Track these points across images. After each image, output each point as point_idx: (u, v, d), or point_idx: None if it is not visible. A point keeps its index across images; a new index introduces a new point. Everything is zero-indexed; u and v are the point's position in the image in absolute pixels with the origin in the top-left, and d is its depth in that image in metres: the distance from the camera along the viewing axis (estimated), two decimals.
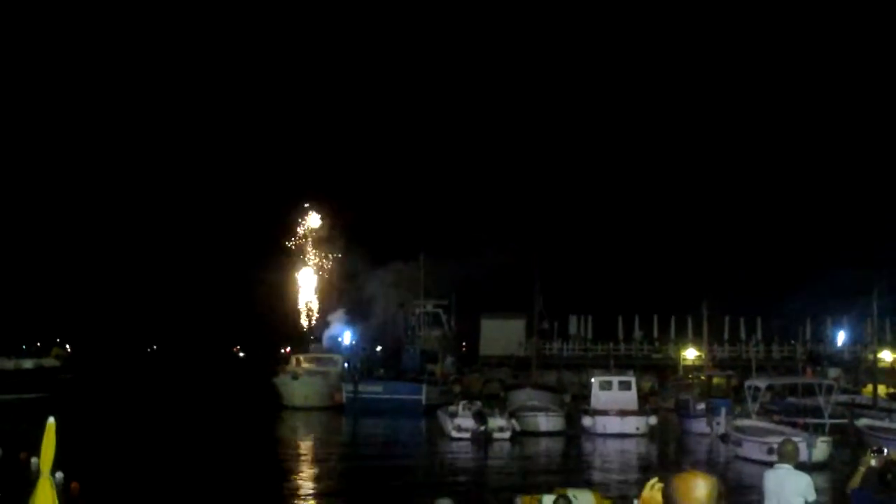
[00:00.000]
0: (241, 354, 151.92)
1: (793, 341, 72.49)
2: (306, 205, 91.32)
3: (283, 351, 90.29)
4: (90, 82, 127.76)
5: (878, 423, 36.94)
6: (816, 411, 36.99)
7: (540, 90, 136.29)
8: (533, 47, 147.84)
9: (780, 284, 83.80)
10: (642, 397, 49.56)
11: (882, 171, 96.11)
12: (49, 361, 66.32)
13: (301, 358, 64.70)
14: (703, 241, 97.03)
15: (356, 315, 71.36)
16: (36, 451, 11.41)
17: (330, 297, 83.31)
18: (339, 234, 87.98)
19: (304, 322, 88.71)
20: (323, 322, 76.40)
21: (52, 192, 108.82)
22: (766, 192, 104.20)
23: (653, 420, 43.13)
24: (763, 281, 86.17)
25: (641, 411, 43.63)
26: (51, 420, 10.67)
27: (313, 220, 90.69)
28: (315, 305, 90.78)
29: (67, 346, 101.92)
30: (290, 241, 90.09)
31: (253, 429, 46.11)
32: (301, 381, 58.06)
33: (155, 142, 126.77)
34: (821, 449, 30.62)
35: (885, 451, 19.86)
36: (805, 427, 33.45)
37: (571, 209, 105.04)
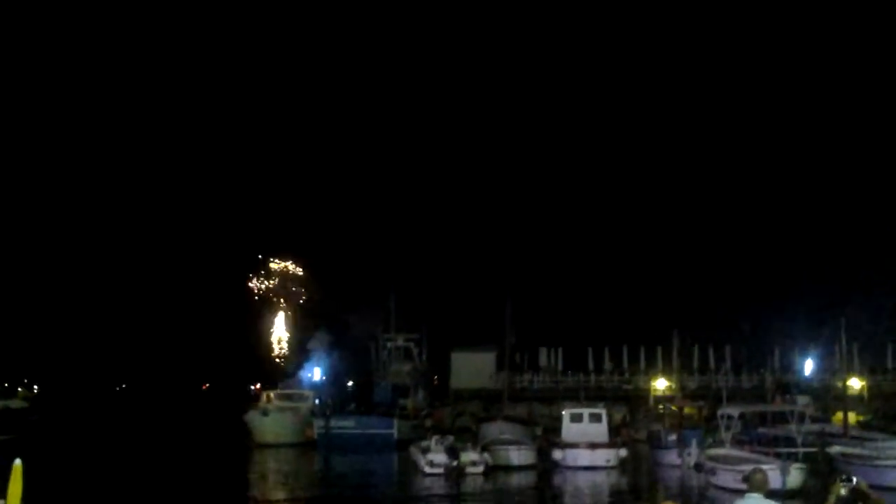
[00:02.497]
0: (211, 392, 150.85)
1: (761, 370, 72.77)
2: (276, 242, 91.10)
3: (252, 388, 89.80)
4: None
5: (850, 450, 37.11)
6: (788, 440, 37.12)
7: (507, 121, 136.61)
8: (503, 85, 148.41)
9: (747, 313, 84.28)
10: (613, 429, 49.60)
11: (847, 200, 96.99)
12: (16, 403, 65.74)
13: (271, 394, 64.30)
14: (671, 272, 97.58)
15: (330, 345, 70.97)
16: (3, 493, 11.24)
17: (302, 333, 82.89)
18: (309, 274, 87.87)
19: (275, 357, 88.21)
20: (298, 354, 75.95)
21: (16, 232, 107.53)
22: (731, 222, 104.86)
23: (623, 452, 43.10)
24: (731, 310, 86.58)
25: (612, 443, 43.62)
26: (17, 462, 10.54)
27: (283, 260, 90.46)
28: (285, 342, 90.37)
29: (35, 387, 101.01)
30: (260, 279, 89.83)
31: (224, 466, 45.73)
32: (272, 418, 57.67)
33: (117, 179, 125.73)
34: (795, 477, 30.71)
35: (854, 479, 20.00)
36: (778, 455, 33.55)
37: (540, 242, 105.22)
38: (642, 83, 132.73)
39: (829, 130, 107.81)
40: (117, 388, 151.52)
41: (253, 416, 58.30)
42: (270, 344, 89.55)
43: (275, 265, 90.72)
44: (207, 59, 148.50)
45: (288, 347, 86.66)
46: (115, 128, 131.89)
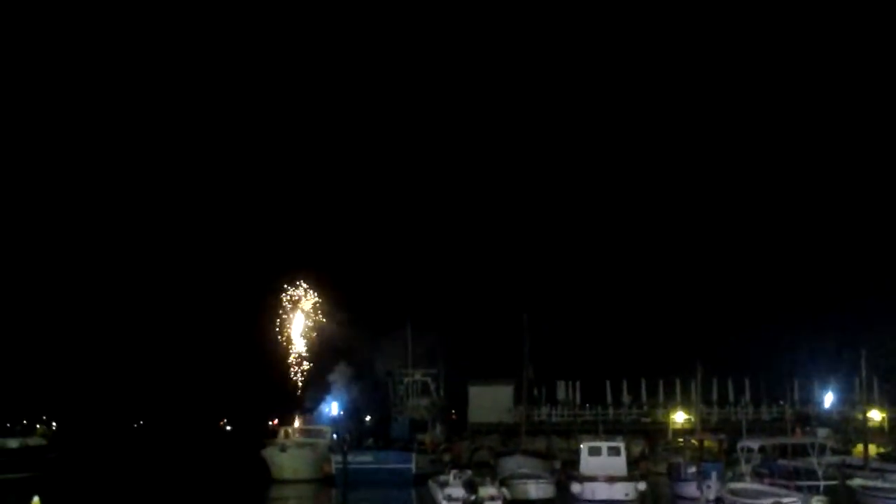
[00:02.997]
0: (229, 427, 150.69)
1: (781, 402, 72.32)
2: (291, 274, 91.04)
3: (270, 423, 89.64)
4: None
5: (871, 482, 36.84)
6: (808, 472, 36.83)
7: (522, 146, 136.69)
8: (510, 102, 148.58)
9: (766, 345, 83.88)
10: (632, 462, 49.37)
11: (867, 230, 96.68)
12: (35, 440, 65.75)
13: (289, 430, 64.25)
14: (690, 305, 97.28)
15: (351, 379, 70.86)
16: None
17: (322, 366, 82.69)
18: (327, 304, 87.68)
19: (294, 391, 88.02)
20: (317, 388, 75.78)
21: (29, 265, 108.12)
22: (749, 253, 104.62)
23: (642, 486, 42.83)
24: (749, 342, 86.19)
25: (630, 477, 43.37)
26: (35, 499, 10.59)
27: (300, 290, 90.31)
28: (302, 374, 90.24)
29: (53, 424, 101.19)
30: (277, 311, 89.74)
31: (242, 502, 45.66)
32: (289, 453, 57.59)
33: (130, 203, 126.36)
34: None
35: None
36: (799, 488, 33.28)
37: (558, 275, 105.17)
38: (661, 98, 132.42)
39: (848, 160, 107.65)
40: (135, 425, 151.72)
41: (271, 452, 58.23)
42: (289, 379, 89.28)
43: (291, 297, 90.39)
44: (238, 77, 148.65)
45: (306, 380, 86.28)
46: (135, 157, 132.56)
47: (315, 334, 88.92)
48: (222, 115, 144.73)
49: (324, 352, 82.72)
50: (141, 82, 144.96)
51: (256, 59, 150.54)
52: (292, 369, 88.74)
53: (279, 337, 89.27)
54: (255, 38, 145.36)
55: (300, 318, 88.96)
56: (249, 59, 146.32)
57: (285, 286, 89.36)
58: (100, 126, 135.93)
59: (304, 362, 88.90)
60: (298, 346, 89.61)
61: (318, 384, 75.31)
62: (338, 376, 70.02)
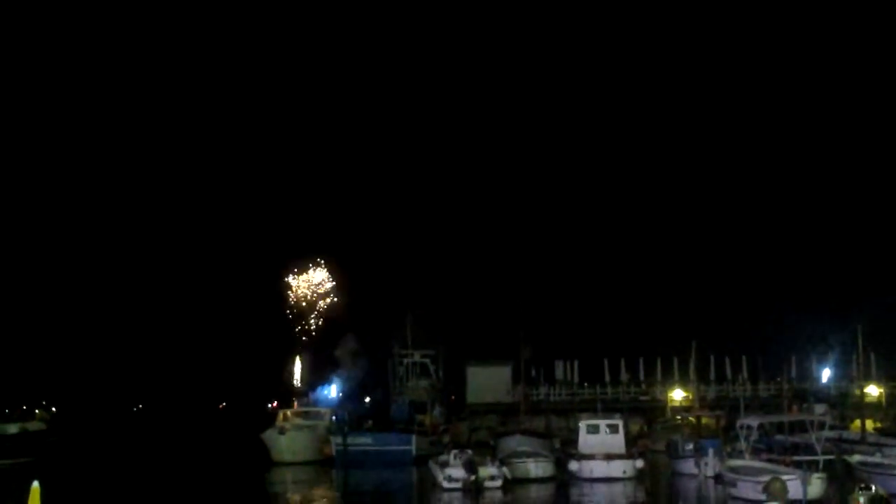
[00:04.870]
0: (228, 410, 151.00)
1: (778, 379, 72.54)
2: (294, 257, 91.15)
3: (270, 406, 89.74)
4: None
5: (869, 458, 37.02)
6: (806, 448, 36.99)
7: (518, 132, 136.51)
8: (510, 96, 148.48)
9: (763, 322, 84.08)
10: (631, 440, 49.56)
11: (865, 208, 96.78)
12: (34, 425, 65.80)
13: (288, 412, 64.36)
14: (686, 282, 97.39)
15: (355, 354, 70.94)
16: None
17: (324, 342, 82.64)
18: (329, 289, 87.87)
19: (293, 373, 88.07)
20: (323, 361, 75.77)
21: (28, 251, 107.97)
22: (746, 230, 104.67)
23: (640, 463, 43.02)
24: (746, 319, 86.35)
25: (629, 454, 43.53)
26: (35, 484, 10.62)
27: (303, 277, 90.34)
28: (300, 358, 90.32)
29: (53, 409, 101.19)
30: (280, 292, 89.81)
31: (242, 485, 45.80)
32: (289, 436, 57.69)
33: (132, 193, 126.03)
34: (815, 486, 30.57)
35: (873, 487, 19.99)
36: (798, 464, 33.40)
37: (555, 255, 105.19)
38: (657, 93, 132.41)
39: (840, 136, 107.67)
40: (134, 409, 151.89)
41: (270, 435, 58.34)
42: (289, 362, 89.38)
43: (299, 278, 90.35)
44: (243, 79, 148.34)
45: (308, 360, 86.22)
46: (134, 143, 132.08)
47: (318, 313, 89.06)
48: (227, 105, 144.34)
49: (328, 329, 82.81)
50: (142, 70, 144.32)
51: (260, 47, 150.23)
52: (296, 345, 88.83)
53: (284, 315, 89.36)
54: (260, 26, 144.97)
55: (304, 297, 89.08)
56: (253, 47, 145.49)
57: (288, 266, 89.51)
58: (97, 112, 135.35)
59: (307, 342, 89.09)
60: (301, 325, 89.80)
61: (322, 360, 75.44)
62: (344, 351, 70.16)
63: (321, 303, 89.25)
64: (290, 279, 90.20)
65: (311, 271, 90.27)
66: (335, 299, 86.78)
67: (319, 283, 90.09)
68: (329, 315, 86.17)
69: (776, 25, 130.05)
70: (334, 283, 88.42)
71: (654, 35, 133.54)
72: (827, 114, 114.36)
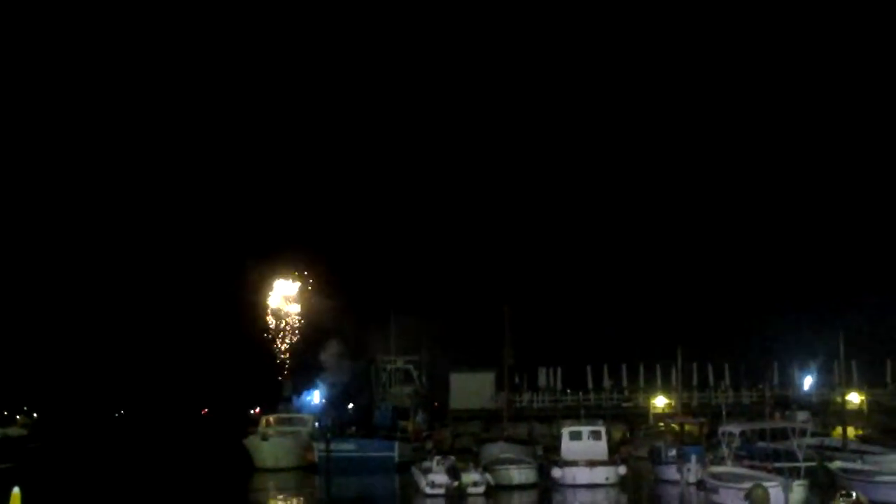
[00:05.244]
0: (210, 416, 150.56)
1: (760, 386, 72.83)
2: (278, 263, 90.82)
3: (252, 412, 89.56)
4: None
5: (850, 465, 37.15)
6: (788, 455, 37.07)
7: (504, 138, 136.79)
8: (500, 96, 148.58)
9: (746, 330, 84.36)
10: (614, 447, 49.65)
11: (846, 215, 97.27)
12: (15, 431, 65.61)
13: (271, 418, 64.21)
14: (669, 290, 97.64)
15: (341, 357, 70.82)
16: None
17: (308, 346, 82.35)
18: (315, 287, 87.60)
19: (275, 380, 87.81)
20: (307, 366, 75.64)
21: (8, 258, 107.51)
22: (728, 238, 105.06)
23: (623, 469, 43.07)
24: (729, 327, 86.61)
25: (611, 461, 43.60)
26: (15, 490, 10.56)
27: (283, 282, 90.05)
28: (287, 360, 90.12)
29: (34, 415, 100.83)
30: (261, 297, 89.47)
31: (224, 492, 45.65)
32: (271, 442, 57.55)
33: (114, 198, 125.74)
34: (797, 493, 30.64)
35: (854, 494, 20.10)
36: (780, 471, 33.48)
37: (538, 262, 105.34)
38: (643, 91, 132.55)
39: (823, 140, 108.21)
40: (116, 415, 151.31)
41: (253, 441, 58.19)
42: (272, 367, 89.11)
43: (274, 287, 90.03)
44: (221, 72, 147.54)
45: (292, 365, 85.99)
46: (119, 155, 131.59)
47: (302, 318, 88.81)
48: (217, 102, 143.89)
49: (312, 334, 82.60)
50: (130, 61, 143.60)
51: (253, 47, 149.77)
52: (278, 352, 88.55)
53: (265, 323, 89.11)
54: (251, 18, 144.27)
55: (287, 302, 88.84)
56: (246, 47, 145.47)
57: (271, 272, 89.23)
58: (85, 108, 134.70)
59: (290, 348, 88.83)
60: (284, 331, 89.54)
61: (306, 365, 75.27)
62: (329, 356, 70.05)
63: (293, 316, 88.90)
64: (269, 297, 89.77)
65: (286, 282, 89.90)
66: (318, 300, 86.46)
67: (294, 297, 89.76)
68: (311, 320, 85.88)
69: (767, 21, 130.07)
70: (309, 282, 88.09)
71: (649, 31, 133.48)
72: (805, 120, 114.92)
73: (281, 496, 45.41)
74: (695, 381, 73.31)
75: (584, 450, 43.73)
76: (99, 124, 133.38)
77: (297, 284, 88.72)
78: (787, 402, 66.88)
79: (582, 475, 41.83)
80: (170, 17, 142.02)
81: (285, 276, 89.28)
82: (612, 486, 41.63)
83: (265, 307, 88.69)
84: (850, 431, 49.65)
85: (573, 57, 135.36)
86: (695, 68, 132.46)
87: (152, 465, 60.42)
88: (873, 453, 40.78)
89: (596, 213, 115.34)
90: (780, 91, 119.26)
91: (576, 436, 45.17)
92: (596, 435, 45.09)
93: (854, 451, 42.40)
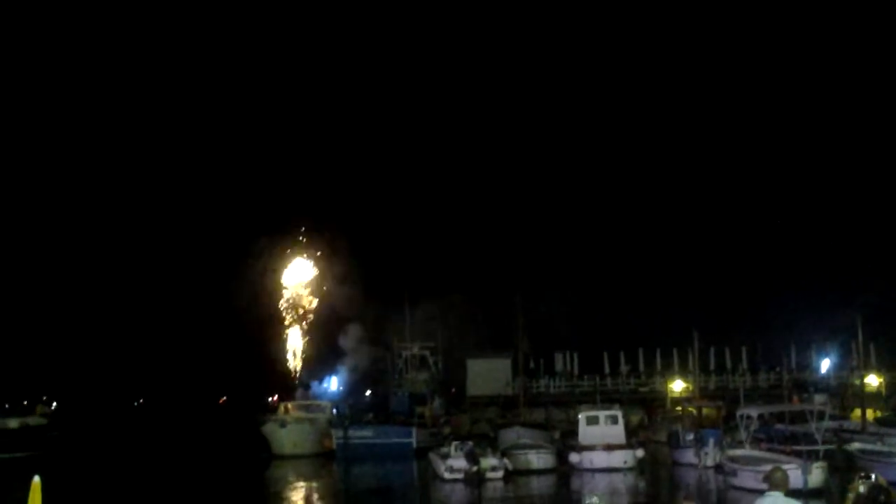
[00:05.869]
0: (229, 405, 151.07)
1: (778, 369, 72.60)
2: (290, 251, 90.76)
3: (270, 399, 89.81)
4: None
5: (869, 447, 37.07)
6: (806, 437, 37.00)
7: (519, 125, 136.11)
8: (507, 90, 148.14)
9: (763, 313, 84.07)
10: (632, 431, 49.66)
11: (857, 196, 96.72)
12: (35, 420, 65.84)
13: (289, 405, 64.43)
14: (685, 273, 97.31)
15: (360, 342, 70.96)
16: None
17: (327, 332, 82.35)
18: (329, 273, 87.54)
19: (293, 367, 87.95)
20: (327, 351, 75.86)
21: (29, 247, 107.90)
22: (744, 219, 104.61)
23: (640, 453, 43.06)
24: (746, 310, 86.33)
25: (629, 445, 43.57)
26: (36, 479, 10.61)
27: (300, 263, 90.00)
28: (302, 351, 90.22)
29: (53, 403, 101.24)
30: (276, 288, 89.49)
31: (244, 478, 45.86)
32: (290, 429, 57.77)
33: (127, 188, 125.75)
34: (816, 475, 30.62)
35: (874, 476, 20.00)
36: (798, 454, 33.44)
37: (553, 246, 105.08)
38: (649, 85, 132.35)
39: (835, 123, 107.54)
40: (135, 404, 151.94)
41: (271, 428, 58.42)
42: (289, 353, 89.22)
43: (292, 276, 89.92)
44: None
45: (309, 354, 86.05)
46: (123, 147, 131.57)
47: (320, 302, 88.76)
48: (241, 83, 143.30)
49: (330, 319, 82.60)
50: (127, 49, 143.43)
51: (255, 35, 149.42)
52: (294, 337, 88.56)
53: (281, 307, 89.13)
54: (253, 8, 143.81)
55: (304, 286, 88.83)
56: (248, 34, 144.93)
57: (288, 253, 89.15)
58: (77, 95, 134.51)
59: (307, 333, 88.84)
60: (301, 315, 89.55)
61: (324, 351, 75.40)
62: (348, 341, 70.18)
63: (310, 299, 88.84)
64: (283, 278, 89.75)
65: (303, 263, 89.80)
66: (331, 287, 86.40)
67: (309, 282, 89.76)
68: (329, 305, 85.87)
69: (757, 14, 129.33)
70: (329, 271, 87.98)
71: (646, 25, 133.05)
72: (822, 98, 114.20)
73: (299, 483, 45.54)
74: (712, 365, 73.09)
75: (601, 434, 43.71)
76: (107, 106, 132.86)
77: (314, 267, 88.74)
78: (805, 384, 66.61)
79: (599, 459, 41.83)
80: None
81: (302, 256, 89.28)
82: (629, 469, 41.61)
83: (281, 290, 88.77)
84: (869, 413, 49.35)
85: (593, 45, 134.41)
86: (701, 58, 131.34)
87: (171, 454, 60.69)
88: (892, 435, 40.60)
89: (612, 197, 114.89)
90: (789, 73, 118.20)
91: (593, 420, 45.14)
92: (613, 419, 45.05)
93: (873, 434, 42.24)
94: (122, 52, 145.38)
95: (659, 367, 74.15)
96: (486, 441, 49.22)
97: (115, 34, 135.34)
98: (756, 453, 35.20)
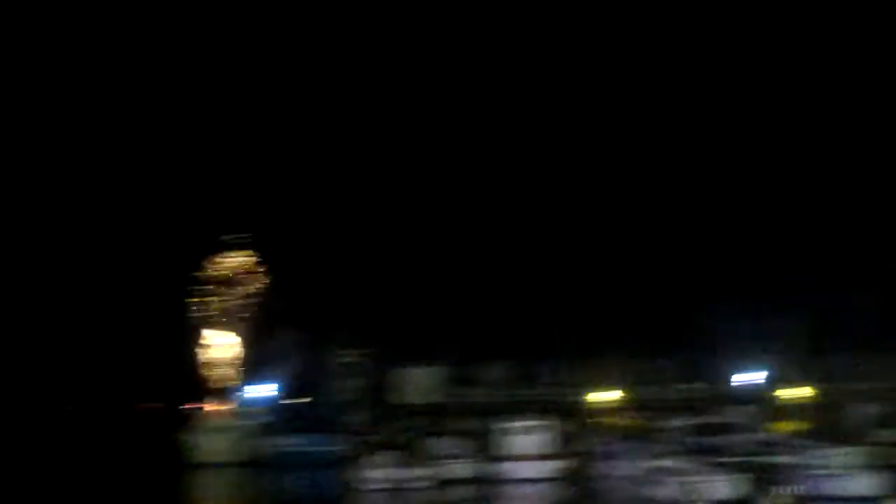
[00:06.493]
0: (150, 411, 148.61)
1: (705, 381, 73.29)
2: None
3: (192, 406, 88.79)
4: None
5: (792, 459, 37.49)
6: (730, 449, 37.33)
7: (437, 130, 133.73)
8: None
9: (689, 324, 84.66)
10: (558, 441, 49.74)
11: (785, 212, 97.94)
12: None
13: (215, 411, 63.64)
14: (612, 284, 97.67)
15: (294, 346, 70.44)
16: None
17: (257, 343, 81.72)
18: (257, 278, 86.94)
19: (222, 372, 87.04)
20: (259, 354, 75.16)
21: None
22: (665, 233, 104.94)
23: (566, 463, 43.16)
24: (673, 321, 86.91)
25: (555, 455, 43.66)
26: None
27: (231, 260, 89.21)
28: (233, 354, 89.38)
29: None
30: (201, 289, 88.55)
31: (165, 487, 45.14)
32: (214, 436, 57.01)
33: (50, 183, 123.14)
34: (738, 486, 30.86)
35: (794, 487, 20.19)
36: (721, 465, 33.72)
37: (486, 253, 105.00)
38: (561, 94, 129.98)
39: (768, 131, 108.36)
40: (56, 412, 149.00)
41: (194, 435, 57.57)
42: (214, 359, 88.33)
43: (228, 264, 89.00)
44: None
45: (243, 358, 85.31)
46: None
47: (254, 304, 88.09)
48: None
49: (265, 323, 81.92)
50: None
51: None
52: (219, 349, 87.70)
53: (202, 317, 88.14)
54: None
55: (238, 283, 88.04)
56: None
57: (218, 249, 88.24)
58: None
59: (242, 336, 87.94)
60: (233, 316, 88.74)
61: (260, 355, 74.72)
62: (280, 345, 69.58)
63: (243, 287, 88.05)
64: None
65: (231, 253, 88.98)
66: (258, 286, 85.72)
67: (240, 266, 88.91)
68: (264, 308, 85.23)
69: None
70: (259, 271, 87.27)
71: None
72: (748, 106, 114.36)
73: (221, 492, 44.98)
74: (638, 377, 73.60)
75: (528, 444, 43.77)
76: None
77: (247, 261, 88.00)
78: (732, 396, 67.36)
79: (525, 469, 41.89)
80: None
81: (234, 253, 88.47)
82: (554, 480, 41.66)
83: (211, 291, 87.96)
84: (794, 426, 50.04)
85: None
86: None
87: (93, 462, 59.54)
88: (814, 448, 41.10)
89: (540, 206, 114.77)
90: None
91: (520, 430, 45.19)
92: (538, 430, 45.12)
93: (796, 446, 42.73)
94: None
95: (587, 377, 74.42)
96: (414, 450, 48.98)
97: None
98: (680, 464, 35.38)
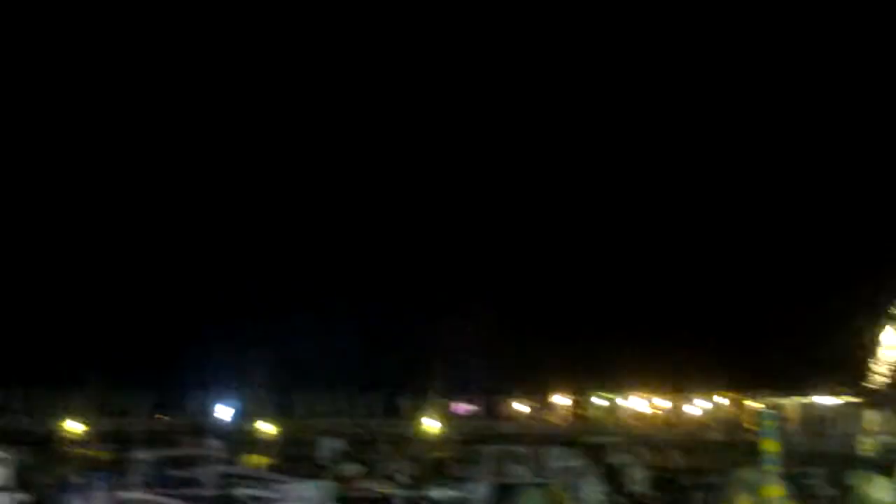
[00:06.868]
0: None
1: (177, 413, 73.29)
2: None
3: None
4: None
5: (258, 492, 38.38)
6: (198, 482, 37.51)
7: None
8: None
9: (168, 355, 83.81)
10: (20, 473, 47.01)
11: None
12: None
13: None
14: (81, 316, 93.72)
15: None
16: None
17: None
18: None
19: None
20: None
21: None
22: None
23: (22, 497, 40.72)
24: (152, 352, 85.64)
25: (12, 488, 41.06)
26: None
27: None
28: None
29: None
30: None
31: None
32: None
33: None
34: None
35: None
36: (186, 498, 33.80)
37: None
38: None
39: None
40: None
41: None
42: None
43: None
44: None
45: None
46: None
47: None
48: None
49: None
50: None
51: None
52: None
53: None
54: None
55: None
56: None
57: None
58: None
59: None
60: None
61: None
62: None
63: None
64: None
65: None
66: None
67: None
68: None
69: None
70: None
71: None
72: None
73: None
74: (111, 407, 72.07)
75: None
76: None
77: None
78: (203, 429, 67.74)
79: None
80: None
81: None
82: None
83: None
84: (262, 460, 51.30)
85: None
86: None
87: None
88: (280, 481, 42.43)
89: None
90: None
91: None
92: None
93: (262, 479, 43.80)
94: None
95: (55, 406, 71.45)
96: None
97: None
98: (147, 497, 35.05)
